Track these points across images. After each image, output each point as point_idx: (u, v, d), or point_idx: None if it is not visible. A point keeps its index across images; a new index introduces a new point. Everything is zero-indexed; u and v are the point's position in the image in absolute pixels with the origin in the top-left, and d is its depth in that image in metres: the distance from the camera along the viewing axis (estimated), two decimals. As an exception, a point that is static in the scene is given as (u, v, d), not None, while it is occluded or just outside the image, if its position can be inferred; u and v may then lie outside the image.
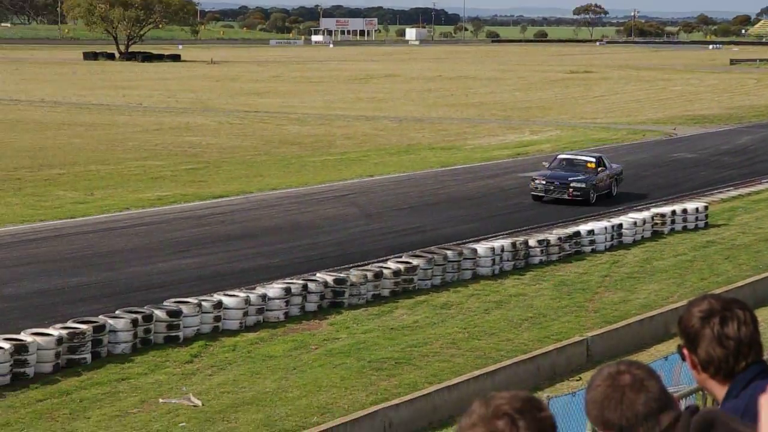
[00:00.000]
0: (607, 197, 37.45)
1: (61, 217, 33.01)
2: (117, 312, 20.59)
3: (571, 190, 36.16)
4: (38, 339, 18.73)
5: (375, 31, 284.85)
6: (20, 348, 18.29)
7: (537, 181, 36.58)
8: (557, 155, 39.50)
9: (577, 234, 29.99)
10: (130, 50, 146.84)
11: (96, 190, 38.23)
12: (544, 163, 38.16)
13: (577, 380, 19.44)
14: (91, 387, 18.10)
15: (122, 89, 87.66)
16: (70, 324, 19.64)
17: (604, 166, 37.81)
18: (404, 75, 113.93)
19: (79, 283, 24.86)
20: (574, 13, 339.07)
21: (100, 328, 19.70)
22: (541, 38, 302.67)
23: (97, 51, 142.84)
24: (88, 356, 19.31)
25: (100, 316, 20.23)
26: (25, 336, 18.78)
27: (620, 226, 31.30)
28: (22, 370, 18.20)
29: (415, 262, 25.73)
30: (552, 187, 36.27)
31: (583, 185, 36.30)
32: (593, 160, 37.82)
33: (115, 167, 44.17)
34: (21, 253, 27.95)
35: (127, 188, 38.94)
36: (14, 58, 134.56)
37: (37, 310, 22.19)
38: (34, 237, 29.98)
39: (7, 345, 18.20)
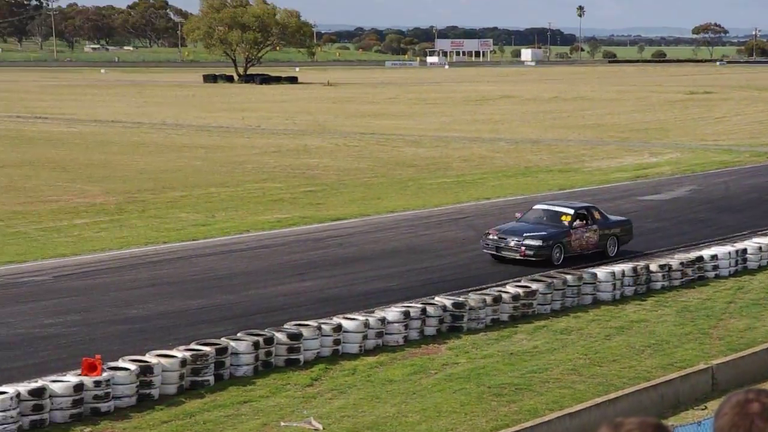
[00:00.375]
0: (602, 256, 30.87)
1: (183, 239, 33.53)
2: (239, 334, 20.83)
3: (523, 248, 29.89)
4: (163, 361, 19.01)
5: (490, 51, 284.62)
6: (146, 369, 18.60)
7: (489, 236, 30.47)
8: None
9: (700, 259, 29.46)
10: (248, 72, 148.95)
11: (217, 212, 38.80)
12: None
13: (703, 409, 19.07)
14: (214, 409, 18.31)
15: (241, 111, 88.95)
16: (193, 346, 19.90)
17: (589, 219, 31.25)
18: (520, 96, 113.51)
19: (201, 305, 25.22)
20: (693, 33, 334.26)
21: (222, 351, 19.92)
22: (660, 58, 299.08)
23: (217, 73, 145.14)
24: (211, 378, 19.55)
25: (223, 339, 20.46)
26: (150, 358, 19.10)
27: (745, 251, 30.66)
28: (147, 391, 18.49)
29: (534, 286, 25.56)
30: (503, 244, 30.14)
31: (539, 243, 29.90)
32: (570, 212, 31.19)
33: (235, 189, 44.79)
34: (145, 275, 28.47)
35: (247, 210, 39.45)
36: (137, 81, 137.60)
37: (160, 332, 22.57)
38: (157, 259, 30.52)
39: (133, 366, 18.52)
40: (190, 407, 18.36)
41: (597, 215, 31.71)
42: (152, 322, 23.54)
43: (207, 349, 19.75)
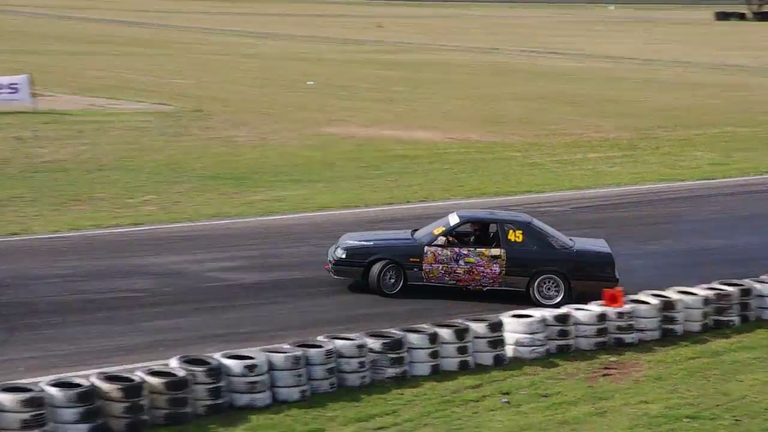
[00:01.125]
0: (530, 297, 19.62)
1: (698, 178, 33.00)
2: (762, 277, 20.07)
3: (329, 260, 20.15)
4: (684, 298, 18.74)
5: None
6: (667, 305, 18.41)
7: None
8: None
9: None
10: (763, 10, 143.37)
11: (734, 152, 37.74)
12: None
13: None
14: (741, 350, 17.74)
15: (754, 50, 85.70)
16: (715, 285, 19.46)
17: (499, 240, 19.72)
18: None
19: (721, 245, 24.48)
20: None
21: (746, 292, 19.34)
22: None
23: (728, 11, 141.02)
24: (736, 319, 19.04)
25: (746, 280, 19.82)
26: (671, 293, 18.87)
27: None
28: (670, 326, 18.31)
29: None
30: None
31: (341, 256, 19.81)
32: (450, 223, 20.10)
33: (753, 130, 43.35)
34: (662, 211, 28.27)
35: (766, 152, 38.07)
36: (644, 17, 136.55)
37: (676, 269, 22.07)
38: (673, 196, 30.21)
39: (655, 301, 18.40)
40: (716, 346, 17.91)
41: (516, 237, 19.81)
42: (669, 258, 23.17)
43: (730, 289, 19.25)
